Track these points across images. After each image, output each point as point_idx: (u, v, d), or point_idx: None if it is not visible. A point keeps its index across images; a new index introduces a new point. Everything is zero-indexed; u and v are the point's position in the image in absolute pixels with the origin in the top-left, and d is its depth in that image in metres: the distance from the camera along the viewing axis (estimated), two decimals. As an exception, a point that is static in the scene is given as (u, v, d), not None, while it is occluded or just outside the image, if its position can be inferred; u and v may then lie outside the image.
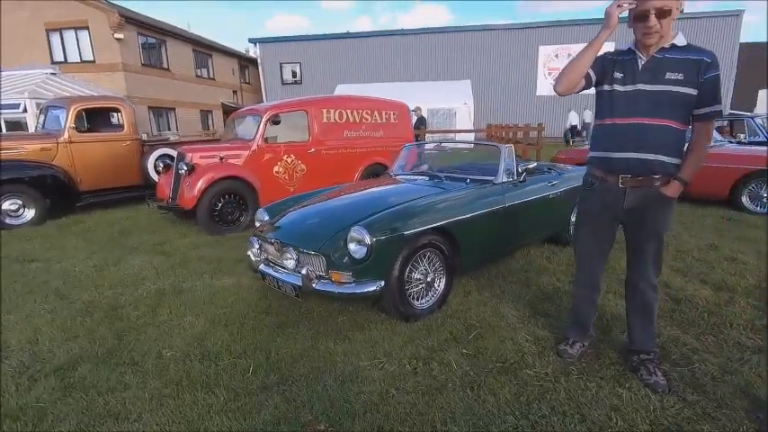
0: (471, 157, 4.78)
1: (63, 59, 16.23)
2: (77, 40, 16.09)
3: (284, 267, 2.94)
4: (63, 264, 4.54)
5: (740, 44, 22.45)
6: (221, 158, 5.66)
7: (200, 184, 5.31)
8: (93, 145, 7.00)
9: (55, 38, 16.17)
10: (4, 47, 16.09)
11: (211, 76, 22.59)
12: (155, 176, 7.61)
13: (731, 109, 23.08)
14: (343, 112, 6.58)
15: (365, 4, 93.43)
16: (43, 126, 7.17)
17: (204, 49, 21.96)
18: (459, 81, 20.27)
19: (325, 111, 6.37)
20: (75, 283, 3.99)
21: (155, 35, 18.16)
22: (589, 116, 18.52)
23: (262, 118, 5.87)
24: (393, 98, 7.61)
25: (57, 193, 6.51)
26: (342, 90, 20.73)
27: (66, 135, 6.73)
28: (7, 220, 6.09)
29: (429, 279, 2.93)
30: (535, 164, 3.93)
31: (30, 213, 6.28)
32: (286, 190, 6.14)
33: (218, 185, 5.45)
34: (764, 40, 25.99)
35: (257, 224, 3.53)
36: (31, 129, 12.40)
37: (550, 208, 3.98)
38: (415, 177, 3.82)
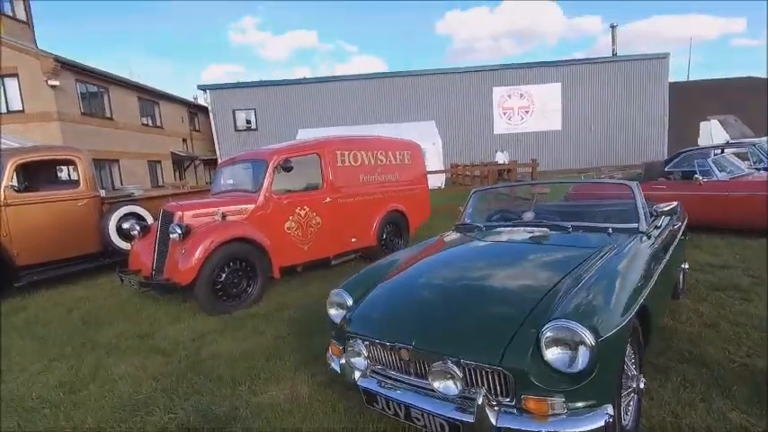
0: (561, 195, 3.97)
1: (-14, 110, 14.16)
2: (4, 88, 14.15)
3: (426, 388, 1.87)
4: (9, 385, 3.11)
5: (669, 83, 24.53)
6: (223, 216, 4.47)
7: (200, 252, 4.08)
8: (36, 207, 5.51)
9: (-24, 86, 14.13)
10: None
11: (159, 124, 20.96)
12: (118, 242, 6.18)
13: (668, 142, 24.87)
14: (358, 153, 5.66)
15: (303, 53, 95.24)
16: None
17: (150, 97, 20.42)
18: (425, 122, 20.19)
19: (339, 153, 5.42)
20: (37, 424, 2.61)
21: (95, 82, 16.53)
22: (502, 157, 18.90)
23: (268, 164, 4.81)
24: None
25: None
26: (304, 135, 19.93)
27: (0, 196, 5.23)
28: None
29: (635, 385, 1.99)
30: (675, 204, 3.19)
31: (-53, 303, 4.66)
32: (299, 249, 5.03)
33: (222, 251, 4.24)
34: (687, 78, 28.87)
35: (334, 311, 2.44)
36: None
37: (680, 255, 3.22)
38: (531, 230, 2.92)
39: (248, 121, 24.97)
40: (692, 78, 25.74)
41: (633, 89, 24.17)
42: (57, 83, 14.14)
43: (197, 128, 25.36)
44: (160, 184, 19.34)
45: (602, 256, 2.25)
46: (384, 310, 2.25)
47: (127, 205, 6.34)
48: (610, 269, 2.08)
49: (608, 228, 2.69)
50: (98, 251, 6.18)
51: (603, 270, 2.06)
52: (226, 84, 25.05)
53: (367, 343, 2.09)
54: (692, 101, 25.36)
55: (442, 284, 2.35)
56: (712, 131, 19.27)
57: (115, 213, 6.17)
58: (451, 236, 3.27)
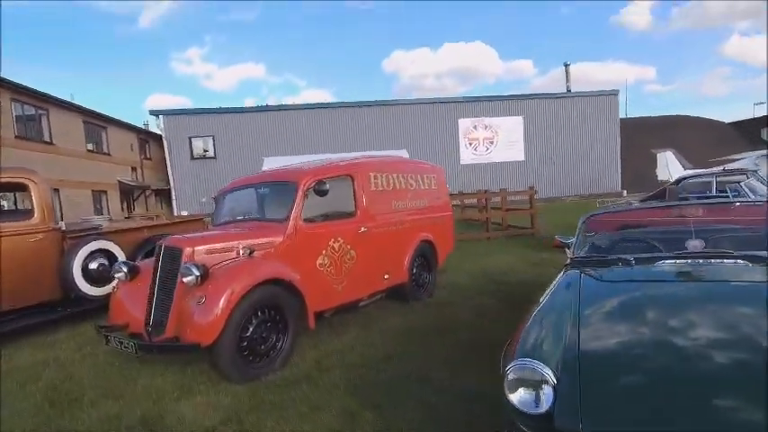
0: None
1: None
2: None
3: None
4: None
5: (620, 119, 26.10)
6: (250, 252, 3.49)
7: (226, 301, 3.07)
8: (-24, 244, 4.22)
9: None
10: None
11: (106, 150, 19.05)
12: (85, 287, 4.92)
13: (621, 176, 26.21)
14: (390, 176, 4.90)
15: (251, 85, 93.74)
16: None
17: (98, 122, 18.59)
18: (398, 151, 19.79)
19: (372, 175, 4.64)
20: None
21: (34, 103, 14.70)
22: None
23: (298, 187, 3.92)
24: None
25: None
26: (271, 163, 18.85)
27: (-74, 231, 3.91)
28: None
29: None
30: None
31: None
32: (334, 290, 4.12)
33: (249, 297, 3.25)
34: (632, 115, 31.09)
35: (526, 395, 1.60)
36: None
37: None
38: (714, 262, 2.26)
39: (206, 150, 23.44)
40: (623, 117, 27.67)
41: (588, 123, 25.38)
42: (-11, 101, 12.33)
43: (148, 156, 23.47)
44: (113, 215, 17.35)
45: None
46: (631, 395, 1.46)
47: (95, 240, 5.10)
48: None
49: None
50: (57, 298, 4.87)
51: None
52: (181, 109, 23.55)
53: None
54: (634, 135, 27.10)
55: (683, 350, 1.60)
56: (668, 162, 20.53)
57: (81, 251, 4.92)
58: (591, 273, 2.55)
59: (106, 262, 5.22)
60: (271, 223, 3.92)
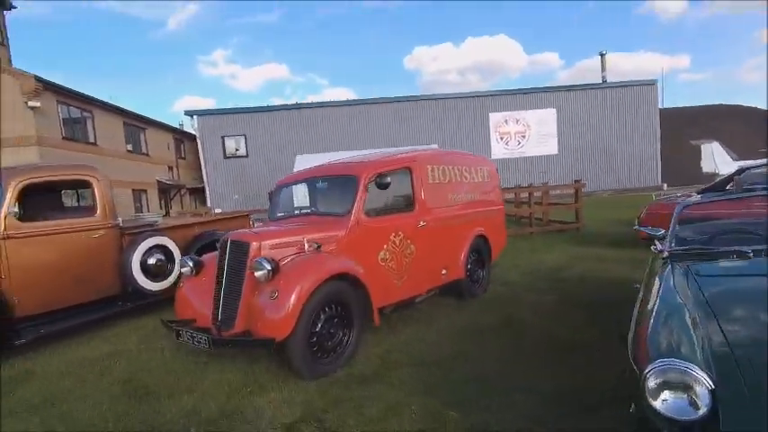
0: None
1: (-47, 134, 12.59)
2: (-25, 110, 12.68)
3: None
4: None
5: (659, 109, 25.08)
6: (318, 246, 3.43)
7: (298, 296, 3.02)
8: (43, 241, 4.32)
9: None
10: None
11: (145, 151, 19.59)
12: (142, 281, 4.99)
13: (661, 168, 25.21)
14: (446, 169, 4.77)
15: (275, 85, 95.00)
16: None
17: (137, 123, 19.12)
18: (428, 146, 19.60)
19: (430, 168, 4.51)
20: None
21: (79, 105, 15.21)
22: None
23: (359, 180, 3.83)
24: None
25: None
26: (302, 161, 18.96)
27: (0, 227, 4.02)
28: None
29: None
30: None
31: (-75, 375, 3.37)
32: (394, 285, 4.03)
33: (318, 293, 3.19)
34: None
35: (672, 398, 1.45)
36: None
37: None
38: None
39: (237, 149, 23.81)
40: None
41: (625, 114, 24.50)
42: (37, 104, 12.80)
43: (183, 155, 24.02)
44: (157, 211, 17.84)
45: None
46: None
47: (152, 236, 5.17)
48: None
49: None
50: (117, 293, 4.96)
51: None
52: (214, 110, 23.97)
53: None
54: (672, 126, 25.93)
55: None
56: (714, 154, 19.57)
57: (139, 247, 4.99)
58: (705, 266, 2.33)
59: (163, 257, 5.29)
60: (332, 218, 3.85)
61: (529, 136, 24.48)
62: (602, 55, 26.93)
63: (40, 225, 4.33)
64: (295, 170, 18.31)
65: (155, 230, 5.40)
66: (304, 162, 18.69)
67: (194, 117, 23.42)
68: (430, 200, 4.42)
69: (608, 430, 2.32)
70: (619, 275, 5.72)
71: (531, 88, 24.65)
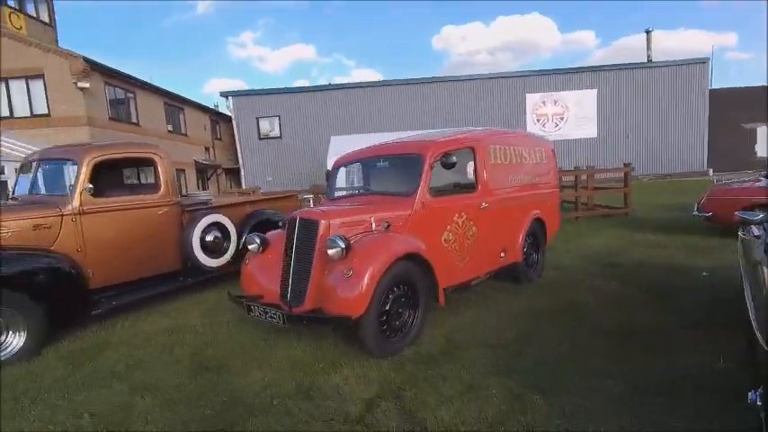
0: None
1: (8, 114, 13.18)
2: (28, 90, 13.20)
3: None
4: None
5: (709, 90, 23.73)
6: (388, 225, 3.42)
7: (372, 274, 3.03)
8: (114, 216, 4.47)
9: (-2, 89, 13.18)
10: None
11: (183, 131, 20.02)
12: (202, 258, 5.13)
13: (707, 149, 23.99)
14: (507, 149, 4.65)
15: (302, 67, 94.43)
16: (30, 190, 4.54)
17: (176, 103, 19.52)
18: (466, 128, 19.24)
19: (492, 148, 4.41)
20: None
21: (123, 86, 15.61)
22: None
23: (424, 159, 3.78)
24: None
25: (58, 298, 3.87)
26: (337, 142, 19.00)
27: (75, 203, 4.18)
28: (-21, 360, 3.38)
29: None
30: None
31: (16, 340, 3.58)
32: (456, 267, 3.99)
33: (390, 272, 3.19)
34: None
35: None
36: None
37: None
38: None
39: (271, 130, 24.04)
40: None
41: (671, 95, 23.36)
42: (87, 85, 13.21)
43: (219, 136, 24.44)
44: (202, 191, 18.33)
45: None
46: None
47: (211, 214, 5.29)
48: None
49: None
50: (177, 270, 5.12)
51: None
52: (249, 90, 24.17)
53: None
54: (719, 109, 24.52)
55: None
56: (771, 137, 18.50)
57: (199, 223, 5.12)
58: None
59: (219, 235, 5.41)
60: (396, 197, 3.82)
61: (567, 118, 23.70)
62: (647, 32, 25.56)
63: (111, 201, 4.48)
64: (330, 151, 18.33)
65: (211, 208, 5.52)
66: (339, 143, 18.74)
67: (230, 98, 23.71)
68: (491, 181, 4.34)
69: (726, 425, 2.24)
70: (680, 262, 5.52)
71: (571, 68, 23.73)
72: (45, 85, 13.16)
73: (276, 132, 23.99)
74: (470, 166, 4.20)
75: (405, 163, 3.99)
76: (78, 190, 4.18)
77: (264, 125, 23.92)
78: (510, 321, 3.89)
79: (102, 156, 4.41)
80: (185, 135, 20.15)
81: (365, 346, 3.17)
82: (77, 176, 4.21)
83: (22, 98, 13.19)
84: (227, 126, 24.51)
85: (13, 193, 4.71)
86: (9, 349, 3.53)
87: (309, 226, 3.41)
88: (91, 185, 4.21)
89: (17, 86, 13.14)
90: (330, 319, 3.06)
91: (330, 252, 3.13)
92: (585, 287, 4.74)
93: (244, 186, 22.52)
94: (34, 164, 4.61)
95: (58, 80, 13.13)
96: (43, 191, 4.54)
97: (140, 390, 2.97)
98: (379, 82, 24.79)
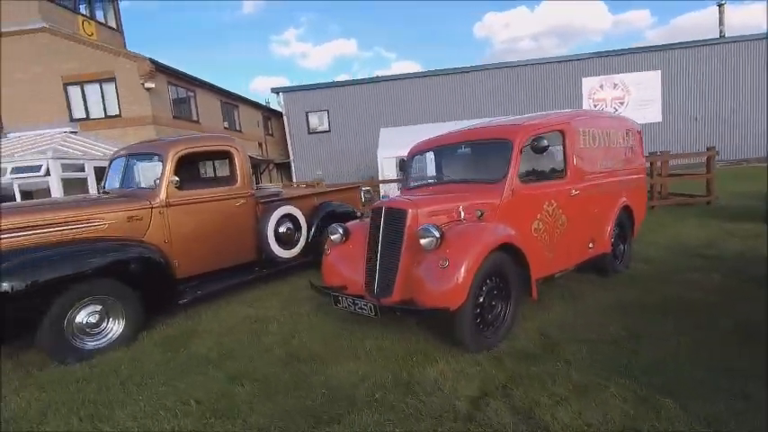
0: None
1: (85, 116, 14.08)
2: (102, 93, 14.02)
3: None
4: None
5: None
6: (481, 214, 3.27)
7: (468, 266, 2.88)
8: (196, 208, 4.58)
9: (75, 92, 14.09)
10: (18, 105, 13.96)
11: (238, 128, 20.66)
12: (276, 249, 5.18)
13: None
14: (596, 132, 4.33)
15: (343, 62, 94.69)
16: (121, 184, 4.74)
17: (231, 101, 20.15)
18: (522, 115, 18.57)
19: (582, 131, 4.12)
20: None
21: (185, 85, 16.27)
22: None
23: (513, 144, 3.57)
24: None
25: (151, 287, 4.00)
26: (387, 134, 18.92)
27: (162, 195, 4.31)
28: (87, 343, 3.55)
29: None
30: None
31: (116, 326, 3.74)
32: (545, 258, 3.75)
33: (485, 263, 3.02)
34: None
35: None
36: (55, 193, 9.87)
37: None
38: None
39: (320, 124, 24.32)
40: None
41: (746, 74, 21.39)
42: (152, 85, 13.85)
43: (270, 132, 25.06)
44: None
45: None
46: None
47: (283, 206, 5.34)
48: None
49: None
50: (252, 260, 5.20)
51: None
52: (298, 86, 24.52)
53: None
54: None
55: None
56: None
57: (273, 215, 5.17)
58: None
59: (291, 226, 5.46)
60: (482, 185, 3.64)
61: (628, 102, 22.29)
62: (719, 5, 23.55)
63: (194, 193, 4.59)
64: (381, 144, 18.21)
65: (283, 200, 5.56)
66: (390, 135, 18.67)
67: (280, 94, 24.18)
68: (581, 166, 4.05)
69: None
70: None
71: (632, 48, 22.25)
72: (116, 88, 13.92)
73: (325, 126, 24.24)
74: (559, 151, 3.94)
75: (491, 148, 3.79)
76: (165, 183, 4.31)
77: (314, 120, 24.23)
78: (605, 315, 3.62)
79: (185, 149, 4.52)
80: (240, 131, 20.77)
81: (460, 339, 3.03)
82: (163, 170, 4.34)
83: (97, 100, 14.03)
84: (278, 122, 25.07)
85: (104, 187, 4.93)
86: (110, 335, 3.69)
87: (397, 215, 3.31)
88: (177, 178, 4.33)
89: (92, 89, 13.98)
90: (425, 311, 2.94)
91: (423, 242, 3.01)
92: (681, 280, 4.36)
93: (294, 180, 22.98)
94: (123, 159, 4.80)
95: (128, 82, 13.86)
96: (132, 185, 4.72)
97: (237, 378, 3.00)
98: (426, 72, 24.37)
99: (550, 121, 3.96)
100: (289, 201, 5.56)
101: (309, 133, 24.45)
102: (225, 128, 19.29)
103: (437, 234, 2.96)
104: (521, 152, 3.57)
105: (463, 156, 4.09)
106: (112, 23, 16.76)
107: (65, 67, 13.82)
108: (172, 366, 3.28)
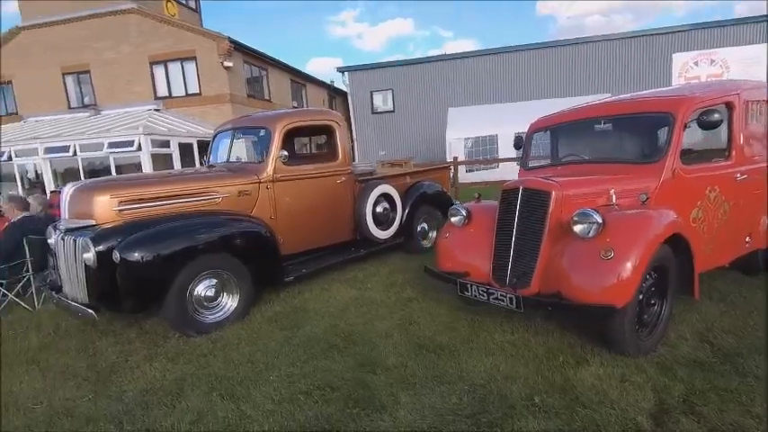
0: None
1: (167, 94, 14.68)
2: (183, 72, 14.52)
3: None
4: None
5: None
6: (646, 199, 2.84)
7: (638, 258, 2.49)
8: (300, 185, 4.46)
9: (159, 71, 14.69)
10: (109, 84, 14.82)
11: (306, 107, 20.82)
12: (373, 229, 4.99)
13: None
14: (763, 106, 3.70)
15: (398, 42, 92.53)
16: (227, 159, 4.72)
17: (299, 80, 20.30)
18: (598, 95, 17.22)
19: (751, 104, 3.51)
20: None
21: (258, 64, 16.51)
22: None
23: (675, 118, 3.06)
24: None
25: (258, 262, 3.93)
26: (455, 113, 18.29)
27: (270, 170, 4.22)
28: (207, 317, 3.55)
29: None
30: None
31: (230, 301, 3.71)
32: (702, 252, 3.21)
33: (653, 255, 2.60)
34: None
35: None
36: (146, 168, 10.29)
37: None
38: None
39: (384, 103, 24.00)
40: None
41: None
42: (230, 64, 14.13)
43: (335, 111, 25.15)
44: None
45: None
46: None
47: (381, 185, 5.12)
48: None
49: None
50: (349, 240, 5.05)
51: None
52: (363, 65, 24.25)
53: None
54: None
55: None
56: None
57: (371, 194, 4.97)
58: None
59: (387, 206, 5.24)
60: (636, 165, 3.18)
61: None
62: None
63: (299, 169, 4.47)
64: (449, 124, 17.57)
65: (380, 178, 5.35)
66: (459, 115, 18.04)
67: (345, 73, 24.03)
68: (747, 146, 3.46)
69: None
70: None
71: (733, 19, 19.82)
72: (197, 66, 14.34)
73: (389, 106, 23.88)
74: (723, 127, 3.36)
75: (644, 123, 3.30)
76: (273, 157, 4.20)
77: (378, 99, 23.93)
78: (773, 322, 3.08)
79: (292, 123, 4.39)
80: (307, 111, 20.96)
81: (619, 340, 2.65)
82: (270, 144, 4.23)
83: (178, 79, 14.56)
84: (342, 101, 25.02)
85: (209, 161, 4.94)
86: (226, 310, 3.67)
87: (537, 197, 2.94)
88: (285, 153, 4.21)
89: (174, 68, 14.51)
90: (583, 307, 2.59)
91: (578, 228, 2.64)
92: None
93: (356, 160, 22.95)
94: (229, 133, 4.77)
95: (207, 61, 14.22)
96: (241, 159, 4.68)
97: (366, 365, 2.83)
98: (491, 49, 23.12)
99: (718, 91, 3.38)
100: (385, 180, 5.33)
101: (373, 113, 24.22)
102: (293, 106, 19.49)
103: (599, 220, 2.57)
104: (684, 127, 3.06)
105: (603, 132, 3.61)
106: (192, 3, 17.24)
107: (151, 47, 14.42)
108: (293, 347, 3.17)
